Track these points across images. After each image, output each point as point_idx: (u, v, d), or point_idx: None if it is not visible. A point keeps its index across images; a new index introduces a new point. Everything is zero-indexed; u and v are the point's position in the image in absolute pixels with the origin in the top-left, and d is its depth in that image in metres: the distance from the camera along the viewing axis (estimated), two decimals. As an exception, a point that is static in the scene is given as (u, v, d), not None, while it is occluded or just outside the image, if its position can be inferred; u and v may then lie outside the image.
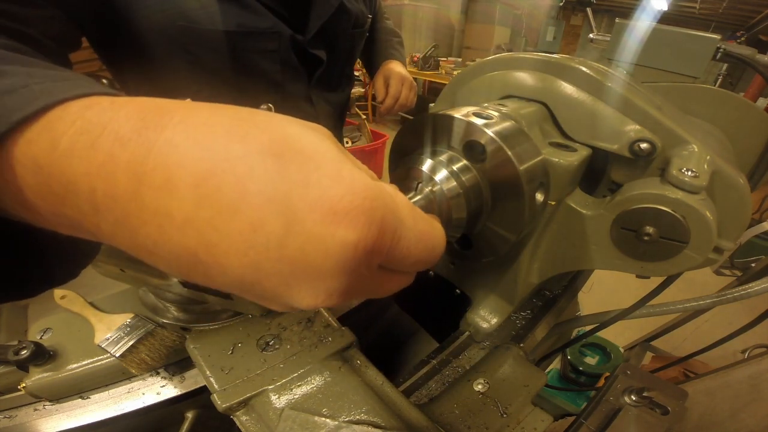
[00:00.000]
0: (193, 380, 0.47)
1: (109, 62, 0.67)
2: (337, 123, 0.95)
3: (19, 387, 0.44)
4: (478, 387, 0.41)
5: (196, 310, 0.45)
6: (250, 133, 0.18)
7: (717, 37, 0.50)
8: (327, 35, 0.73)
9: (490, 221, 0.35)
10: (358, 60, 1.00)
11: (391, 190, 0.21)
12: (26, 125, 0.17)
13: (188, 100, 0.20)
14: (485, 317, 0.49)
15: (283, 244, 0.17)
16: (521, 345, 0.47)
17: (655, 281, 0.44)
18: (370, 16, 0.86)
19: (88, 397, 0.46)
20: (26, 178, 0.17)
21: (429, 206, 0.30)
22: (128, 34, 0.59)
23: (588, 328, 0.60)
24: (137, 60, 0.63)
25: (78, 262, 0.28)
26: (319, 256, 0.17)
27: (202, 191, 0.16)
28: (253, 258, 0.17)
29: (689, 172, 0.32)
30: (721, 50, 0.51)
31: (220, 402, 0.35)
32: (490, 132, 0.31)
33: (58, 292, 0.50)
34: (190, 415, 0.49)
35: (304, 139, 0.19)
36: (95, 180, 0.17)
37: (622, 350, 1.43)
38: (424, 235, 0.21)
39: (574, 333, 0.71)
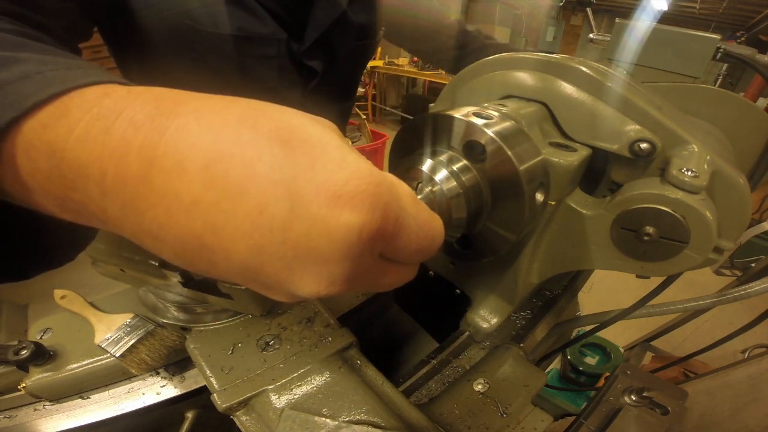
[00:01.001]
0: (193, 380, 0.47)
1: (117, 55, 0.68)
2: None
3: (19, 387, 0.44)
4: (478, 387, 0.41)
5: (197, 310, 0.45)
6: (259, 121, 0.18)
7: (717, 37, 0.50)
8: (326, 46, 0.72)
9: (490, 221, 0.35)
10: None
11: (394, 179, 0.21)
12: (40, 110, 0.17)
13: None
14: (485, 317, 0.49)
15: (287, 227, 0.17)
16: (521, 345, 0.47)
17: (655, 281, 0.44)
18: (383, 28, 0.83)
19: (88, 397, 0.46)
20: (39, 163, 0.18)
21: (429, 206, 0.30)
22: (138, 29, 0.59)
23: (588, 328, 0.60)
24: (145, 54, 0.63)
25: (76, 245, 0.28)
26: (323, 240, 0.17)
27: (211, 174, 0.17)
28: (257, 241, 0.17)
29: (689, 172, 0.32)
30: (721, 50, 0.51)
31: (220, 402, 0.35)
32: (490, 132, 0.31)
33: (58, 292, 0.50)
34: (190, 415, 0.49)
35: (310, 128, 0.19)
36: (107, 163, 0.17)
37: (622, 350, 1.43)
38: (425, 223, 0.21)
39: (574, 333, 0.71)
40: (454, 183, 0.31)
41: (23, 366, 0.44)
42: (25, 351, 0.42)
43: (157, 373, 0.48)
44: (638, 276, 0.39)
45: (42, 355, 0.44)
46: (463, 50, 0.96)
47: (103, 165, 0.17)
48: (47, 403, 0.46)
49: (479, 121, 0.32)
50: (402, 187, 0.21)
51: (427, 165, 0.32)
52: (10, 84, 0.18)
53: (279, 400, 0.36)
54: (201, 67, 0.64)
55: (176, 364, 0.48)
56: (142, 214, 0.18)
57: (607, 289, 1.97)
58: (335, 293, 0.19)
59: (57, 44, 0.25)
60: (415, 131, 0.35)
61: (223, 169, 0.17)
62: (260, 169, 0.17)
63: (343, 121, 0.95)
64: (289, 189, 0.17)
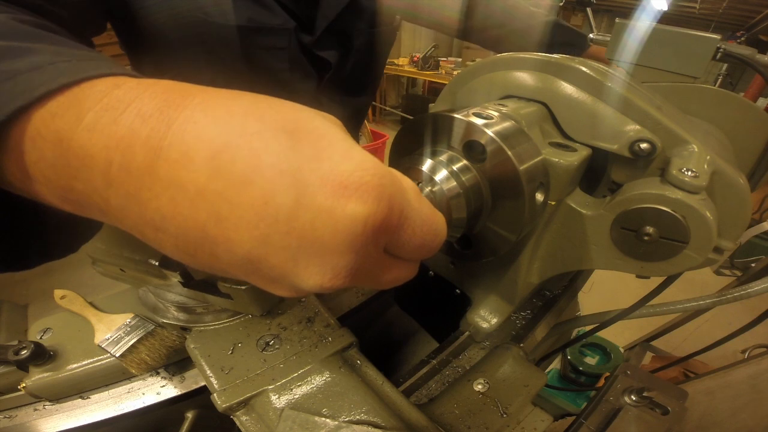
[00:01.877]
0: (193, 380, 0.47)
1: (129, 49, 0.68)
2: (349, 128, 0.90)
3: (19, 387, 0.44)
4: (478, 387, 0.41)
5: (197, 310, 0.45)
6: (266, 113, 0.18)
7: (717, 37, 0.50)
8: (340, 35, 0.70)
9: (490, 221, 0.35)
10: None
11: (398, 173, 0.21)
12: (50, 100, 0.18)
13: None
14: (485, 317, 0.49)
15: (293, 217, 0.17)
16: (521, 345, 0.47)
17: (655, 281, 0.44)
18: (398, 16, 0.80)
19: (88, 397, 0.46)
20: (44, 151, 0.18)
21: None
22: (150, 22, 0.60)
23: (588, 328, 0.60)
24: (157, 47, 0.63)
25: (77, 236, 0.28)
26: (328, 230, 0.17)
27: (217, 164, 0.17)
28: (262, 231, 0.17)
29: (689, 172, 0.32)
30: (721, 50, 0.51)
31: (220, 402, 0.35)
32: (490, 132, 0.31)
33: (58, 292, 0.50)
34: (190, 415, 0.49)
35: (316, 121, 0.19)
36: (113, 153, 0.17)
37: (622, 350, 1.43)
38: (429, 218, 0.21)
39: (574, 333, 0.71)
40: (454, 183, 0.31)
41: (23, 366, 0.44)
42: (25, 351, 0.42)
43: (157, 373, 0.48)
44: (638, 276, 0.39)
45: (42, 355, 0.44)
46: (503, 29, 0.86)
47: (109, 155, 0.17)
48: (47, 403, 0.46)
49: (479, 121, 0.32)
50: (406, 181, 0.21)
51: (427, 165, 0.32)
52: (23, 74, 0.18)
53: (279, 400, 0.36)
54: (213, 61, 0.64)
55: (176, 364, 0.48)
56: (146, 204, 0.18)
57: (607, 289, 1.97)
58: (338, 287, 0.19)
59: (71, 36, 0.25)
60: (415, 131, 0.35)
61: (229, 159, 0.17)
62: (266, 160, 0.17)
63: (359, 116, 0.92)
64: (295, 179, 0.17)
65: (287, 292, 0.20)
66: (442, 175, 0.31)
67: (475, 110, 0.34)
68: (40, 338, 0.47)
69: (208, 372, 0.38)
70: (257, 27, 0.62)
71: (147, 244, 0.20)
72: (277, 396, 0.36)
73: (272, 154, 0.17)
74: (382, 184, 0.18)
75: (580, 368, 1.39)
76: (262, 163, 0.17)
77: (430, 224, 0.21)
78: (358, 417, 0.34)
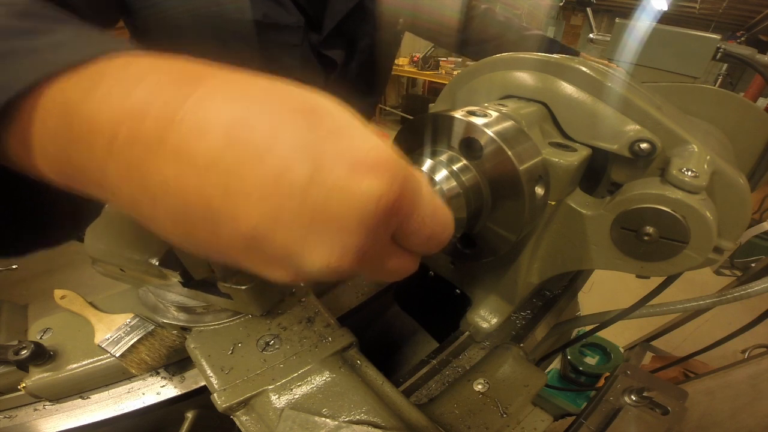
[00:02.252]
0: (193, 380, 0.47)
1: (139, 42, 0.68)
2: None
3: (19, 387, 0.44)
4: (478, 387, 0.41)
5: (197, 310, 0.45)
6: (283, 94, 0.19)
7: (717, 37, 0.50)
8: (345, 35, 0.71)
9: (490, 221, 0.35)
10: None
11: (408, 163, 0.21)
12: (65, 74, 0.18)
13: None
14: (485, 317, 0.49)
15: (306, 191, 0.17)
16: (521, 345, 0.47)
17: (655, 281, 0.44)
18: (401, 20, 0.82)
19: (88, 397, 0.46)
20: (47, 122, 0.18)
21: None
22: (164, 15, 0.60)
23: (588, 328, 0.60)
24: (170, 40, 0.63)
25: (74, 225, 0.28)
26: (342, 206, 0.17)
27: (232, 137, 0.17)
28: (274, 204, 0.17)
29: (689, 172, 0.32)
30: (721, 50, 0.51)
31: (220, 402, 0.35)
32: (490, 132, 0.31)
33: (58, 292, 0.50)
34: (190, 415, 0.49)
35: (331, 105, 0.20)
36: (122, 122, 0.17)
37: (622, 350, 1.43)
38: (438, 209, 0.21)
39: (574, 333, 0.71)
40: (454, 183, 0.31)
41: (23, 366, 0.44)
42: (25, 351, 0.42)
43: (157, 373, 0.48)
44: (638, 276, 0.39)
45: (42, 355, 0.44)
46: (498, 41, 0.93)
47: (117, 123, 0.17)
48: (47, 403, 0.46)
49: (479, 121, 0.32)
50: (417, 171, 0.21)
51: (427, 165, 0.32)
52: (43, 48, 0.18)
53: (279, 400, 0.36)
54: (226, 56, 0.64)
55: (176, 364, 0.48)
56: (148, 177, 0.17)
57: (607, 289, 1.97)
58: (344, 268, 0.19)
59: None
60: (415, 131, 0.35)
61: (244, 133, 0.17)
62: (282, 135, 0.17)
63: (364, 118, 0.94)
64: (311, 155, 0.17)
65: (286, 275, 0.20)
66: (442, 175, 0.31)
67: (475, 110, 0.34)
68: (40, 338, 0.47)
69: (208, 372, 0.38)
70: (272, 23, 0.63)
71: (140, 224, 0.19)
72: (277, 396, 0.36)
73: (288, 130, 0.17)
74: (396, 166, 0.18)
75: (580, 368, 1.39)
76: (278, 138, 0.17)
77: (440, 216, 0.21)
78: (358, 417, 0.34)
